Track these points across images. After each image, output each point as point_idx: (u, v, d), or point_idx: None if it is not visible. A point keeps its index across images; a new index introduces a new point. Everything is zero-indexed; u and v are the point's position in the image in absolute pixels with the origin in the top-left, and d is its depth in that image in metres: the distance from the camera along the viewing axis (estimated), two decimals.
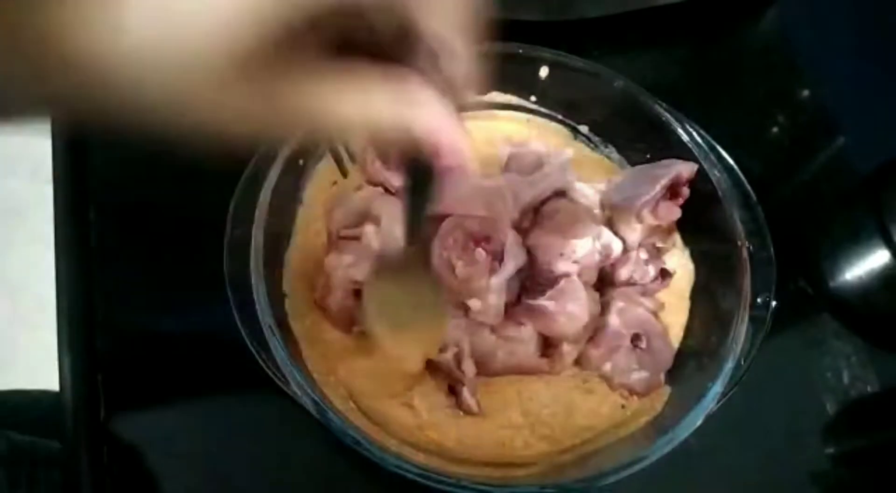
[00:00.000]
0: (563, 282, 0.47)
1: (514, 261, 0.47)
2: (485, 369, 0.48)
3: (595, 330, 0.49)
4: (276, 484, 0.47)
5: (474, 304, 0.46)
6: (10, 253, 1.39)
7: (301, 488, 0.48)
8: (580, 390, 0.48)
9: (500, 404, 0.47)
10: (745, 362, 0.45)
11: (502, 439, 0.46)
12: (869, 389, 0.54)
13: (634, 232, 0.51)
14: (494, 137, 0.57)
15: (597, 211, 0.52)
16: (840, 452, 0.52)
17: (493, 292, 0.46)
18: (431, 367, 0.47)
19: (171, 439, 0.48)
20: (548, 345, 0.49)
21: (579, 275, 0.48)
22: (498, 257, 0.47)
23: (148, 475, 0.47)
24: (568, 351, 0.48)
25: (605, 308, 0.49)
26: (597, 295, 0.49)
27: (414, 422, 0.45)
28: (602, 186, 0.53)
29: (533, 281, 0.49)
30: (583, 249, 0.48)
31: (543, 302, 0.47)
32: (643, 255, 0.50)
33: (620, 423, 0.47)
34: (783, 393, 0.53)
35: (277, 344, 0.41)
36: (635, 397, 0.48)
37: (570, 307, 0.47)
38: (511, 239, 0.47)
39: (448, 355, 0.46)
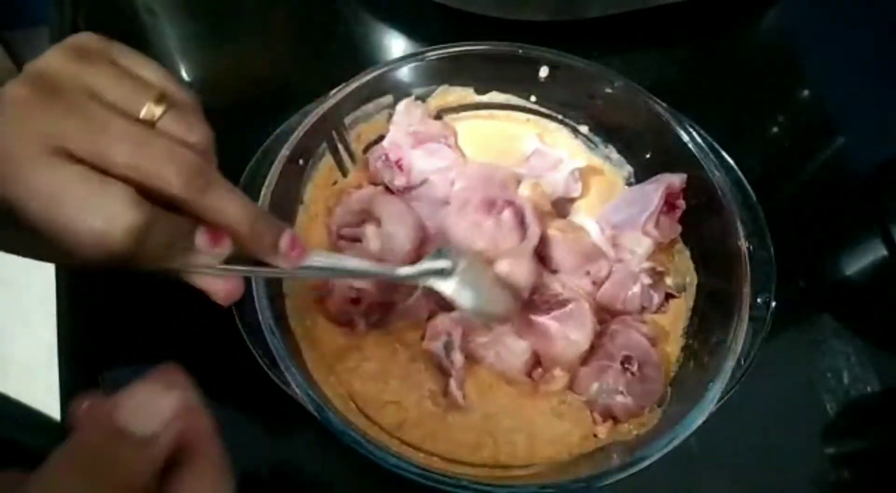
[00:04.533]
0: (572, 305, 0.47)
1: (537, 225, 0.47)
2: (475, 358, 0.48)
3: (588, 353, 0.48)
4: (276, 483, 0.47)
5: (503, 265, 0.46)
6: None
7: (301, 487, 0.48)
8: (550, 413, 0.47)
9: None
10: (745, 362, 0.45)
11: (471, 443, 0.45)
12: (869, 389, 0.54)
13: (642, 247, 0.51)
14: (520, 134, 0.57)
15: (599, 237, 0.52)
16: (840, 452, 0.52)
17: (523, 257, 0.46)
18: (425, 355, 0.47)
19: None
20: (537, 365, 0.48)
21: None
22: (520, 221, 0.47)
23: None
24: (559, 376, 0.47)
25: (600, 333, 0.49)
26: (597, 325, 0.48)
27: (399, 419, 0.45)
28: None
29: (540, 298, 0.48)
30: (604, 269, 0.49)
31: (547, 321, 0.46)
32: (646, 280, 0.50)
33: (588, 453, 0.46)
34: (783, 393, 0.53)
35: (277, 344, 0.41)
36: (609, 424, 0.46)
37: (574, 334, 0.46)
38: (530, 207, 0.47)
39: (438, 344, 0.46)
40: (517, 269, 0.46)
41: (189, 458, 0.27)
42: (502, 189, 0.50)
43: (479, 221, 0.46)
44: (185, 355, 0.50)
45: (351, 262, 0.39)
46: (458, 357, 0.46)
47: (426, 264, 0.42)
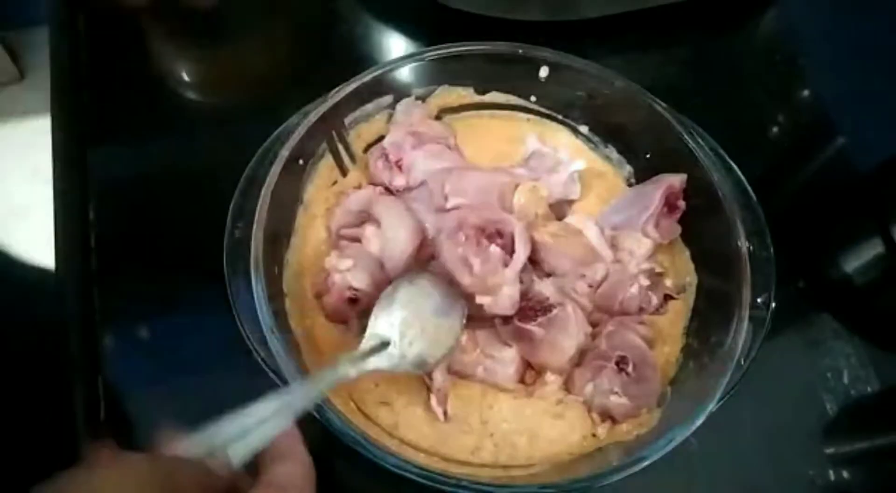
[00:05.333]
0: (556, 311, 0.46)
1: (524, 249, 0.46)
2: (461, 375, 0.47)
3: (582, 354, 0.48)
4: None
5: (485, 300, 0.46)
6: (10, 253, 1.39)
7: None
8: (549, 414, 0.47)
9: (461, 403, 0.47)
10: (745, 362, 0.45)
11: (468, 446, 0.45)
12: (869, 389, 0.54)
13: (642, 247, 0.51)
14: (520, 134, 0.57)
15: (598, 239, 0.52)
16: (840, 452, 0.52)
17: (507, 283, 0.46)
18: None
19: None
20: (530, 369, 0.48)
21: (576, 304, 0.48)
22: (508, 250, 0.47)
23: None
24: (552, 380, 0.47)
25: (595, 335, 0.48)
26: (588, 328, 0.48)
27: (391, 421, 0.45)
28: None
29: (527, 304, 0.48)
30: (600, 272, 0.49)
31: (532, 328, 0.46)
32: (643, 281, 0.50)
33: (588, 453, 0.46)
34: (783, 393, 0.53)
35: (277, 344, 0.41)
36: (608, 424, 0.46)
37: (559, 338, 0.46)
38: (520, 228, 0.47)
39: None
40: (500, 301, 0.46)
41: (281, 456, 0.35)
42: (499, 201, 0.50)
43: (468, 258, 0.46)
44: (186, 355, 0.50)
45: (302, 391, 0.37)
46: (438, 376, 0.46)
47: (367, 344, 0.41)
